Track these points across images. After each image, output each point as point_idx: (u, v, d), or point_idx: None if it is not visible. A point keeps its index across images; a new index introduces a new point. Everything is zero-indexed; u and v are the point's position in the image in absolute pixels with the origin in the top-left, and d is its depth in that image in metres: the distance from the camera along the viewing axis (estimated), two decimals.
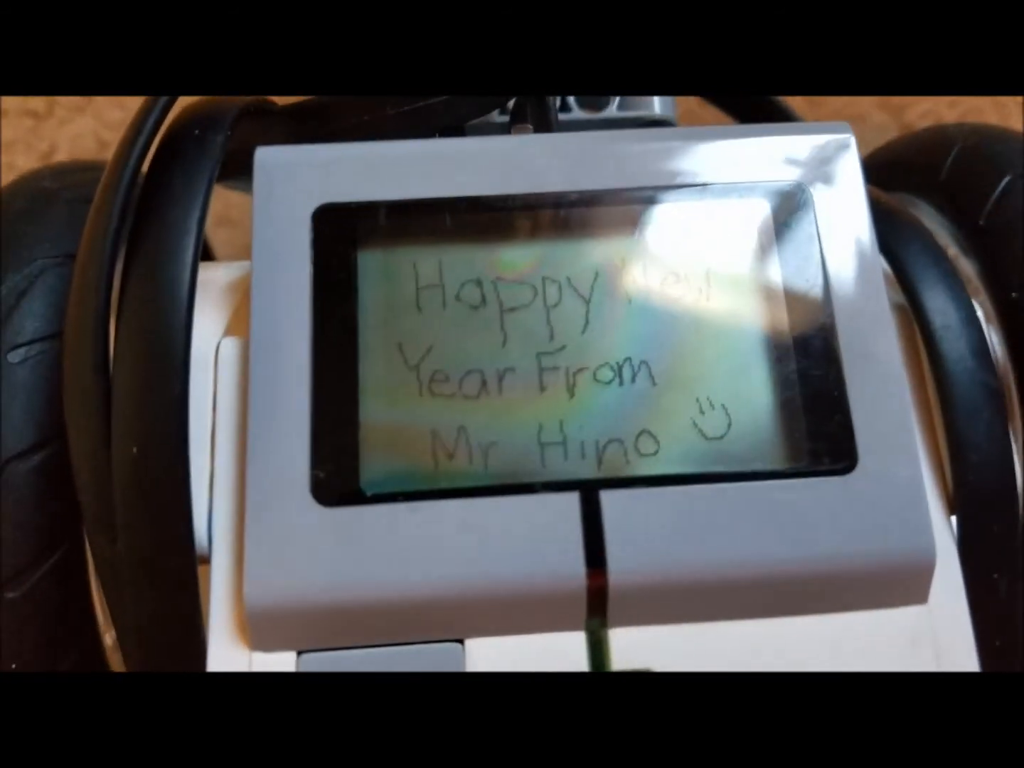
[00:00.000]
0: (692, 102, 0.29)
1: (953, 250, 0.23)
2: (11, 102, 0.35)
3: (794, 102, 0.39)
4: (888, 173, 0.26)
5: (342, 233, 0.19)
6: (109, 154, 0.18)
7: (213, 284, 0.20)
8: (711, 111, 0.29)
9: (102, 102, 0.36)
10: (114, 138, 0.18)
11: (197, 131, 0.18)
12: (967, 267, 0.22)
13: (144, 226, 0.17)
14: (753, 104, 0.28)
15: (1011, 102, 0.42)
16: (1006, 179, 0.22)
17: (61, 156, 0.35)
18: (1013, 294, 0.21)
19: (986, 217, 0.22)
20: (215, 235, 0.30)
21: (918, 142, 0.26)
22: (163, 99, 0.18)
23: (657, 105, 0.24)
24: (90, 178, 0.20)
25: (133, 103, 0.19)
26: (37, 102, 0.36)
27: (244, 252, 0.19)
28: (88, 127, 0.36)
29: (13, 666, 0.18)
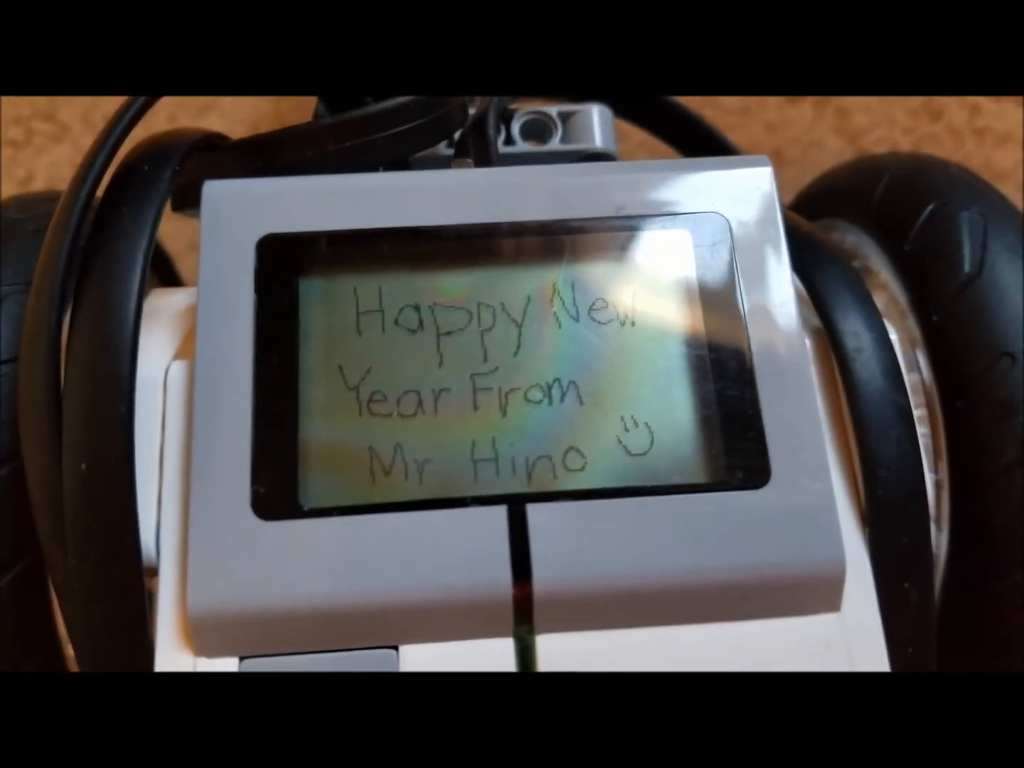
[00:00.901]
0: (645, 135, 0.30)
1: (885, 275, 0.24)
2: None
3: (752, 128, 0.40)
4: (826, 200, 0.27)
5: (285, 261, 0.20)
6: None
7: (166, 310, 0.21)
8: (661, 145, 0.30)
9: (78, 131, 0.37)
10: None
11: (146, 167, 0.19)
12: (897, 291, 0.23)
13: (94, 257, 0.18)
14: (699, 139, 0.29)
15: (966, 128, 0.43)
16: (930, 207, 0.23)
17: (39, 183, 0.36)
18: (935, 317, 0.22)
19: (911, 243, 0.23)
20: (185, 260, 0.31)
21: (854, 171, 0.27)
22: (115, 134, 0.19)
23: (599, 139, 0.26)
24: (53, 209, 0.21)
25: None
26: (16, 131, 0.37)
27: None
28: (65, 155, 0.37)
29: None
